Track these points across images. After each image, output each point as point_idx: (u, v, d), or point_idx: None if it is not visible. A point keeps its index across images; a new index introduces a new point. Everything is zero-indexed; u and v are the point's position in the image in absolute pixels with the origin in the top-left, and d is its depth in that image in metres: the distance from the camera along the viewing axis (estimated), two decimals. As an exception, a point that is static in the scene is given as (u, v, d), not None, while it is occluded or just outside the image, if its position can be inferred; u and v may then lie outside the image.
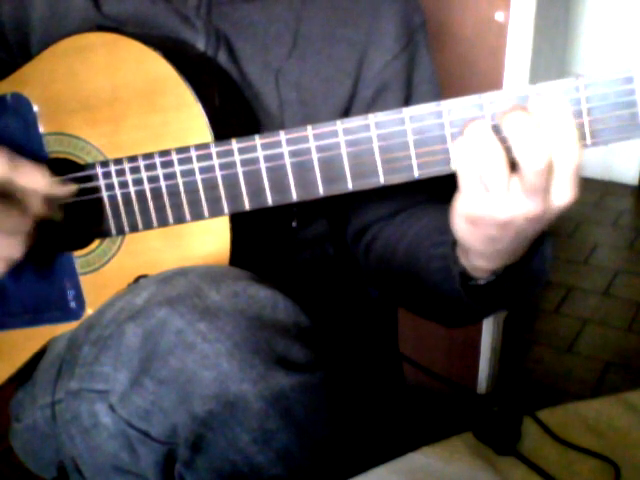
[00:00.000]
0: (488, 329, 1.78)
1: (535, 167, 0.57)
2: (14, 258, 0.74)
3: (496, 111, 0.62)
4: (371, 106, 0.87)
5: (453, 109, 0.64)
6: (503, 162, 0.58)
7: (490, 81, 1.58)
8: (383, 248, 0.88)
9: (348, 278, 1.00)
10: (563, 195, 0.60)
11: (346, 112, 0.86)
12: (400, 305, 0.94)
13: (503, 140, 0.59)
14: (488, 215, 0.61)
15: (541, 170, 0.58)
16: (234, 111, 0.80)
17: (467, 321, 0.80)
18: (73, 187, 0.76)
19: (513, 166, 0.59)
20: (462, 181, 0.61)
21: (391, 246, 0.86)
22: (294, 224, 0.86)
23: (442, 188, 0.69)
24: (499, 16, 1.52)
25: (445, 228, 0.69)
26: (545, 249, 0.69)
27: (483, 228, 0.63)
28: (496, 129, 0.59)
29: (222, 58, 0.82)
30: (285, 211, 0.84)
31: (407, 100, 0.89)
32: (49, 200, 0.73)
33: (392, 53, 0.87)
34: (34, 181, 0.72)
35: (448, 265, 0.72)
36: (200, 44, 0.82)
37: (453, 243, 0.71)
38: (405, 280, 0.83)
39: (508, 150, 0.59)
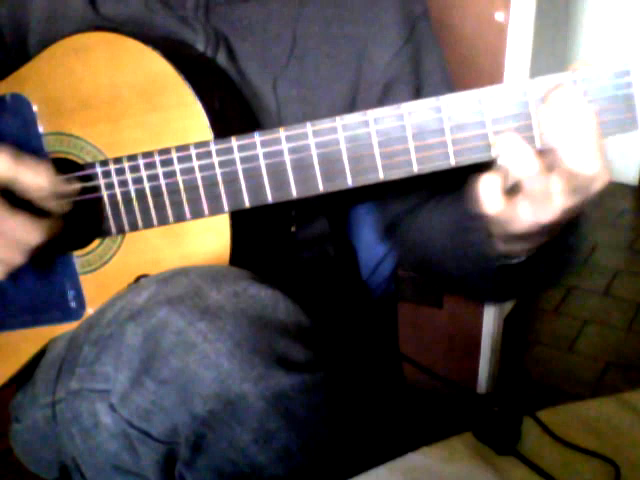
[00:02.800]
0: (488, 329, 1.78)
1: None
2: (15, 264, 0.73)
3: (495, 106, 0.62)
4: (382, 104, 0.86)
5: (452, 104, 0.64)
6: None
7: (490, 81, 1.56)
8: (418, 238, 0.87)
9: (348, 278, 1.00)
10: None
11: (350, 111, 0.86)
12: (441, 286, 0.96)
13: None
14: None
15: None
16: (233, 111, 0.80)
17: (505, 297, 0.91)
18: (77, 185, 0.76)
19: None
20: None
21: (426, 235, 0.85)
22: (293, 229, 0.86)
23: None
24: (499, 16, 1.51)
25: (474, 214, 0.69)
26: (580, 228, 0.70)
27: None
28: None
29: (221, 58, 0.82)
30: (284, 216, 0.84)
31: (418, 93, 0.87)
32: (54, 198, 0.73)
33: (395, 48, 0.86)
34: (38, 179, 0.71)
35: (483, 248, 0.72)
36: (199, 45, 0.82)
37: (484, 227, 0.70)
38: (444, 266, 0.83)
39: None
